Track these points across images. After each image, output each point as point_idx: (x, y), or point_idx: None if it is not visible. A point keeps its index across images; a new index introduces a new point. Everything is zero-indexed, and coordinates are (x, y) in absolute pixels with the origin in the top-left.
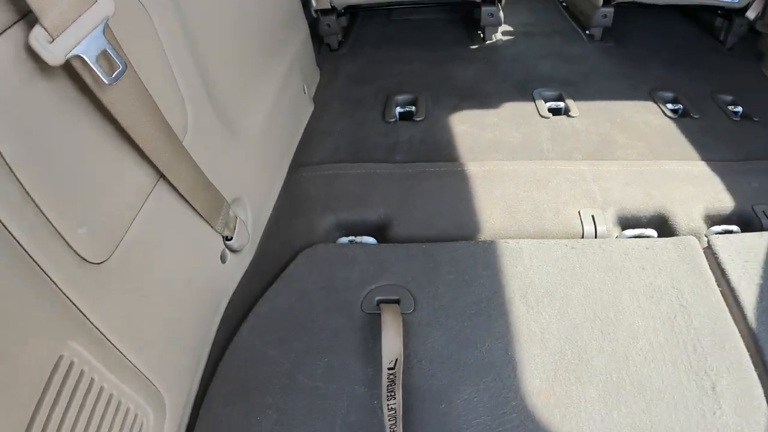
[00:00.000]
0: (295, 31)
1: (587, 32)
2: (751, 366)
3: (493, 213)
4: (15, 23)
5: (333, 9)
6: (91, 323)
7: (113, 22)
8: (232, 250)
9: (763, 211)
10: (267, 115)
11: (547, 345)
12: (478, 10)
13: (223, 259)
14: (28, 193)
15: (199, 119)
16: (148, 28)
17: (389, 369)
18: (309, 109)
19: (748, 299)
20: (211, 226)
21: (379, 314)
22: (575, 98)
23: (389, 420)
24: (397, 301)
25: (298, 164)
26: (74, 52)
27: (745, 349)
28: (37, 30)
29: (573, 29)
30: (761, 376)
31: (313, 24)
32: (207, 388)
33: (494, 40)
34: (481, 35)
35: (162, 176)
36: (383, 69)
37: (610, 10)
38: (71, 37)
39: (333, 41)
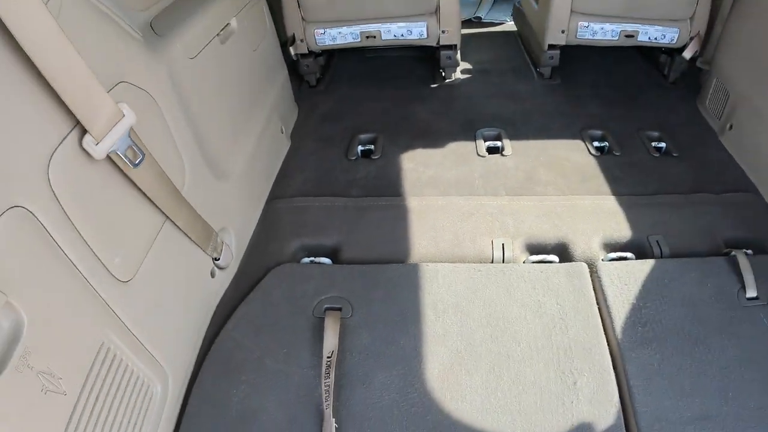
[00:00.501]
0: (276, 79)
1: (538, 70)
2: (611, 369)
3: (421, 241)
4: (72, 130)
5: (311, 52)
6: (122, 321)
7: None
8: (220, 268)
9: (657, 241)
10: (248, 158)
11: (446, 344)
12: (439, 51)
13: (212, 274)
14: (84, 239)
15: (194, 173)
16: (158, 116)
17: (327, 357)
18: (286, 146)
19: (619, 316)
20: (203, 251)
21: (324, 318)
22: (512, 137)
23: (325, 393)
24: (339, 309)
25: (274, 196)
26: (111, 149)
27: (608, 355)
28: (87, 137)
29: (527, 66)
30: (618, 377)
31: (294, 64)
32: (199, 368)
33: (453, 78)
34: (442, 74)
35: (168, 218)
36: (353, 107)
37: (556, 52)
38: (109, 140)
39: (312, 79)
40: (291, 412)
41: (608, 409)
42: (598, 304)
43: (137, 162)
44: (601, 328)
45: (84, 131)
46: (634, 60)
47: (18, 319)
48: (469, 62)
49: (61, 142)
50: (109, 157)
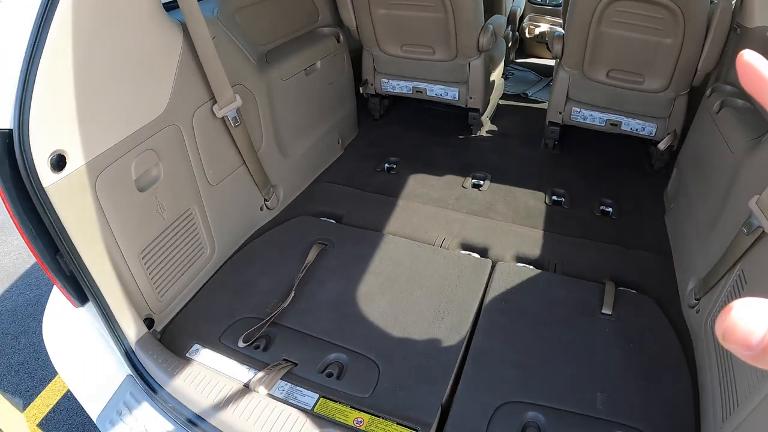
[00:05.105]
0: (344, 106)
1: (544, 141)
2: (470, 320)
3: (394, 223)
4: (207, 101)
5: (377, 94)
6: (204, 205)
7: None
8: (268, 207)
9: (555, 263)
10: (306, 150)
11: (377, 277)
12: (468, 112)
13: (261, 209)
14: (199, 153)
15: (267, 145)
16: (254, 104)
17: (306, 264)
18: (338, 153)
19: (493, 294)
20: (259, 191)
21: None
22: (493, 181)
23: (297, 280)
24: (325, 245)
25: (319, 179)
26: (226, 114)
27: (473, 312)
28: (215, 106)
29: (539, 135)
30: (473, 320)
31: (364, 100)
32: (234, 254)
33: (477, 134)
34: (471, 129)
35: (244, 163)
36: (394, 140)
37: (556, 128)
38: (225, 110)
39: (376, 114)
40: (275, 285)
41: (455, 337)
42: (482, 284)
43: (236, 125)
44: (479, 297)
45: (215, 102)
46: (631, 147)
47: (159, 172)
48: (497, 125)
49: (203, 104)
50: (223, 119)
